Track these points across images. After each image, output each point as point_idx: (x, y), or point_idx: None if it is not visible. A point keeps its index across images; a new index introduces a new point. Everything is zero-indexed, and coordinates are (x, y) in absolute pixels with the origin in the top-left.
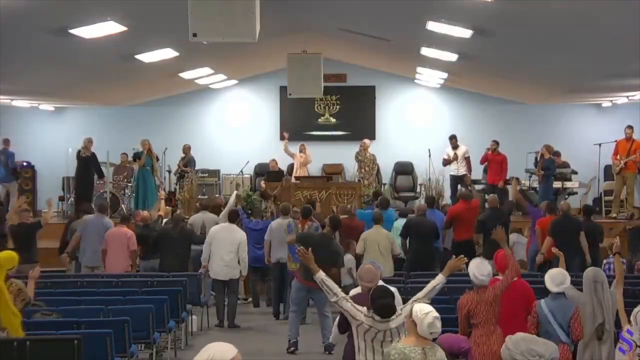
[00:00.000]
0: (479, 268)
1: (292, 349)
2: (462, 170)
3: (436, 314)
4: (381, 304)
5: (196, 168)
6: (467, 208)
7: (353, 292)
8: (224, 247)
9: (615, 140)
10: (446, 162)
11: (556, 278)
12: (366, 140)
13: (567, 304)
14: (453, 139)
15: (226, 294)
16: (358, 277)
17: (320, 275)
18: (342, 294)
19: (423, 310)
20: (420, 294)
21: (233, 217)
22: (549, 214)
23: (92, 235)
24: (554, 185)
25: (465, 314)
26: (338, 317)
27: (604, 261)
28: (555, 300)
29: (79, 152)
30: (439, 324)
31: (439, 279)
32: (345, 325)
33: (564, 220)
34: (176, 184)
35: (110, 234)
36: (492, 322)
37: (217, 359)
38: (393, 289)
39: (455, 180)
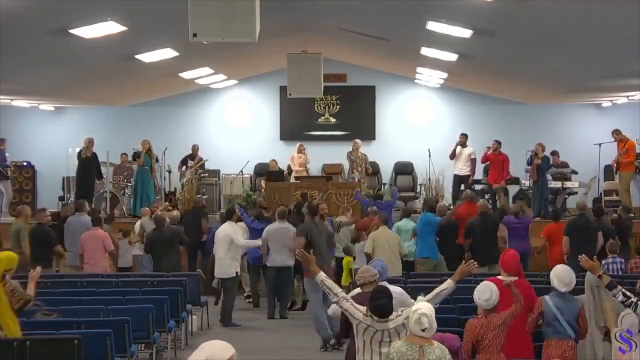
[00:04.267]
0: (480, 291)
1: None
2: (466, 171)
3: (424, 311)
4: (377, 304)
5: None
6: (470, 210)
7: (354, 292)
8: (220, 246)
9: (616, 141)
10: (452, 155)
11: (565, 277)
12: (357, 140)
13: (573, 300)
14: (463, 136)
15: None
16: (356, 277)
17: (321, 276)
18: (342, 294)
19: (413, 308)
20: (425, 298)
21: (229, 215)
22: (554, 221)
23: (75, 235)
24: (554, 185)
25: (473, 339)
26: (341, 320)
27: (603, 262)
28: (561, 297)
29: (79, 152)
30: (425, 320)
31: (448, 284)
32: (347, 328)
33: (581, 220)
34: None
35: (84, 237)
36: (496, 349)
37: (215, 359)
38: (399, 289)
39: (458, 179)
